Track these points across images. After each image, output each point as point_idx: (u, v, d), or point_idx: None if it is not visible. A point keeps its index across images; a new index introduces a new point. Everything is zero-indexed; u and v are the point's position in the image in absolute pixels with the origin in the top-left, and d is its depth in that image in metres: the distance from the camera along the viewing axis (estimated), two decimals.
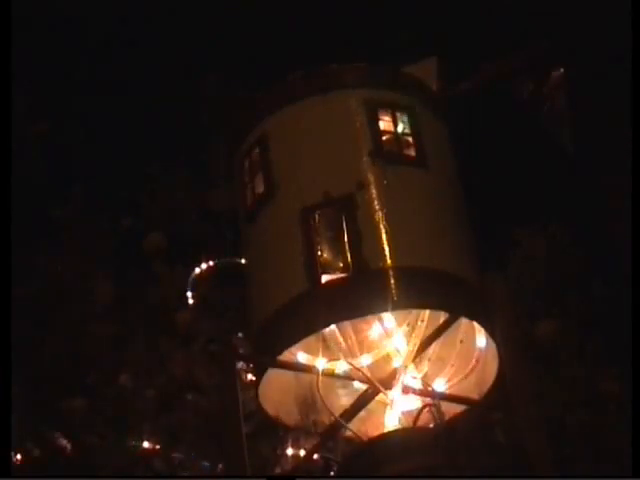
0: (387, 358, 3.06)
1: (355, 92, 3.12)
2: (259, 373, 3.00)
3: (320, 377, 2.98)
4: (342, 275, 2.87)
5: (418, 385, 3.02)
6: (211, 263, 6.09)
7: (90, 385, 5.79)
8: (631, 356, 3.28)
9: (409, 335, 3.02)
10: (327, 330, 2.99)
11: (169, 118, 6.36)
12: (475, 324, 3.01)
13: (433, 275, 2.89)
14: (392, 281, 2.84)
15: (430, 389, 3.00)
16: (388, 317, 3.02)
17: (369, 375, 3.00)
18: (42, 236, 6.15)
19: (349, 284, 2.86)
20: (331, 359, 3.01)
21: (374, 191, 2.95)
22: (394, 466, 2.77)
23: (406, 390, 3.00)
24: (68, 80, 6.51)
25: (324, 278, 2.87)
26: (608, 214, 3.87)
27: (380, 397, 3.03)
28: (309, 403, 3.06)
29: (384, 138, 3.06)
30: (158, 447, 5.75)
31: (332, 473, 3.00)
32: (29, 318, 5.77)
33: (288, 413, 3.11)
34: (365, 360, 3.04)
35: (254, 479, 3.18)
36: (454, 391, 3.09)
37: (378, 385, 2.98)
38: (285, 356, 2.97)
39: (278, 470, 5.20)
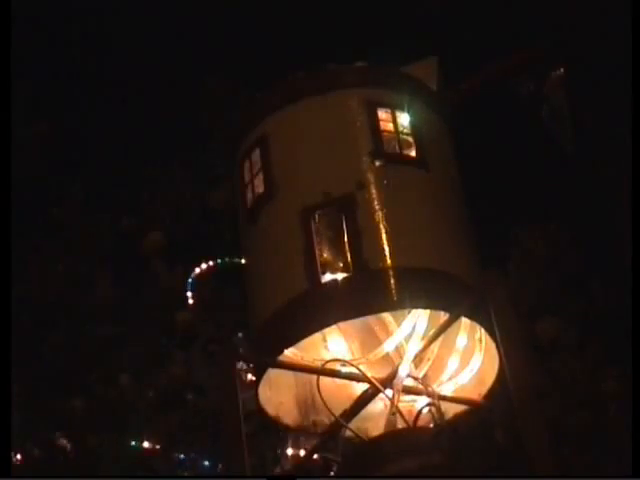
0: (387, 358, 3.06)
1: (355, 92, 3.12)
2: (259, 373, 3.00)
3: (320, 377, 2.98)
4: (342, 275, 2.87)
5: (418, 385, 3.02)
6: (211, 263, 6.09)
7: (90, 385, 5.80)
8: (631, 356, 3.28)
9: (409, 335, 3.01)
10: (328, 330, 2.99)
11: (169, 118, 6.37)
12: (476, 324, 3.01)
13: (433, 275, 2.89)
14: (392, 281, 2.84)
15: (430, 389, 3.00)
16: (388, 317, 3.02)
17: (369, 375, 3.00)
18: (42, 236, 6.16)
19: (349, 284, 2.86)
20: (331, 359, 3.01)
21: (374, 191, 2.94)
22: (394, 466, 2.77)
23: (406, 390, 3.00)
24: (68, 80, 6.51)
25: (324, 278, 2.87)
26: (608, 214, 3.87)
27: (380, 397, 3.02)
28: (309, 403, 3.07)
29: (384, 138, 3.05)
30: (158, 447, 5.76)
31: (332, 473, 2.99)
32: (29, 318, 5.77)
33: (288, 413, 3.11)
34: (365, 360, 3.04)
35: (254, 479, 3.18)
36: (454, 391, 3.09)
37: (378, 385, 2.98)
38: (285, 356, 2.97)
39: (278, 470, 5.21)
